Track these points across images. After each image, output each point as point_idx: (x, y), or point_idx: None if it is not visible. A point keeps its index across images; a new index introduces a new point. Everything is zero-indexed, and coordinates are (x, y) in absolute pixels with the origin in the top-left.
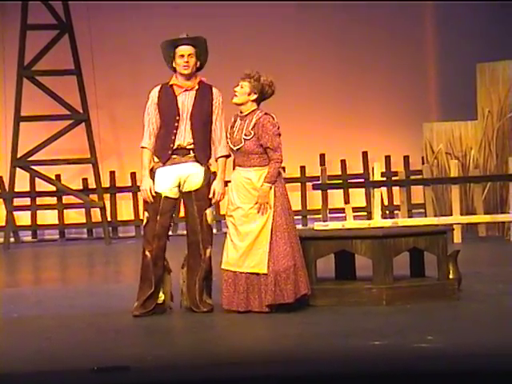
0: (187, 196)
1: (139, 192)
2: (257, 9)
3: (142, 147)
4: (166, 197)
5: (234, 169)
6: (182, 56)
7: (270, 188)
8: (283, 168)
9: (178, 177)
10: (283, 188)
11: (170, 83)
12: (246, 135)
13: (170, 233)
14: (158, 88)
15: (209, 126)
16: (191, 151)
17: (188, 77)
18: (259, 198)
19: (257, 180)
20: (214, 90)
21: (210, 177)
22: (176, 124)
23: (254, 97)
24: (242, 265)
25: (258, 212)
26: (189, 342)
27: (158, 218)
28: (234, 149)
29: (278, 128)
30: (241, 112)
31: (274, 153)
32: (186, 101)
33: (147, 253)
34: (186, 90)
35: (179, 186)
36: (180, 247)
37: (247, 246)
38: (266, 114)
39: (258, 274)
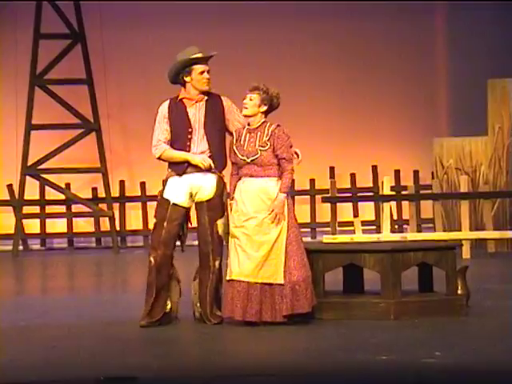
0: (199, 206)
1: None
2: (264, 21)
3: (161, 154)
4: (174, 204)
5: (238, 179)
6: (203, 72)
7: (285, 198)
8: (292, 180)
9: (189, 187)
10: (291, 202)
11: (180, 98)
12: (262, 146)
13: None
14: (167, 103)
15: (223, 133)
16: None
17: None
18: (276, 208)
19: (273, 189)
20: (223, 98)
21: (222, 187)
22: (189, 136)
23: (264, 108)
24: (256, 275)
25: (273, 222)
26: (196, 354)
27: (165, 224)
28: (248, 160)
29: (290, 140)
30: (249, 125)
31: (288, 164)
32: (196, 112)
33: (151, 259)
34: (196, 102)
35: (191, 196)
36: (191, 258)
37: (262, 256)
38: (278, 125)
39: (271, 285)
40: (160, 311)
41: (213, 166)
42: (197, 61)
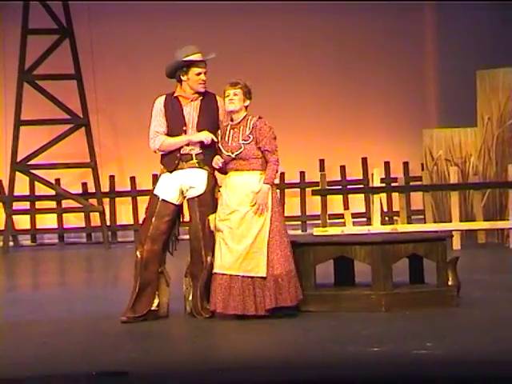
0: (191, 202)
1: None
2: (257, 15)
3: (160, 145)
4: (163, 200)
5: (226, 173)
6: (199, 74)
7: (269, 189)
8: (282, 173)
9: (180, 184)
10: (276, 195)
11: (176, 95)
12: (244, 140)
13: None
14: (162, 98)
15: (215, 132)
16: (194, 157)
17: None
18: (258, 199)
19: (257, 182)
20: (218, 98)
21: (213, 183)
22: (183, 134)
23: (248, 102)
24: (238, 268)
25: (256, 213)
26: (187, 348)
27: (153, 220)
28: (233, 155)
29: (273, 132)
30: (231, 120)
31: (272, 155)
32: (191, 111)
33: (138, 253)
34: (192, 101)
35: (182, 193)
36: (182, 252)
37: (244, 248)
38: (260, 117)
39: (253, 278)
40: (144, 307)
41: (215, 139)
42: (194, 62)
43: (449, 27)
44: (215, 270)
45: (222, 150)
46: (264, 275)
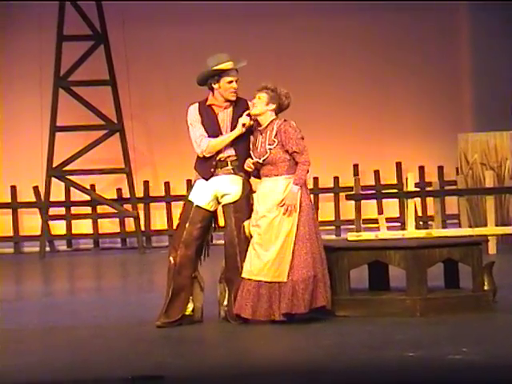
0: (226, 208)
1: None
2: (290, 18)
3: (207, 146)
4: (197, 206)
5: (260, 178)
6: (231, 82)
7: (298, 190)
8: (316, 178)
9: (215, 191)
10: (308, 198)
11: (208, 103)
12: (269, 144)
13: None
14: (196, 106)
15: (249, 138)
16: (229, 164)
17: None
18: (286, 199)
19: (284, 187)
20: (250, 103)
21: (248, 189)
22: None
23: (273, 107)
24: (266, 274)
25: (284, 214)
26: (222, 352)
27: (187, 225)
28: (260, 161)
29: (300, 132)
30: (259, 125)
31: (301, 156)
32: (225, 118)
33: (171, 258)
34: (225, 108)
35: (216, 199)
36: (216, 258)
37: (271, 254)
38: (285, 120)
39: (279, 283)
40: (177, 312)
41: (251, 122)
42: (226, 71)
43: (484, 29)
44: (244, 275)
45: (253, 157)
46: (285, 280)
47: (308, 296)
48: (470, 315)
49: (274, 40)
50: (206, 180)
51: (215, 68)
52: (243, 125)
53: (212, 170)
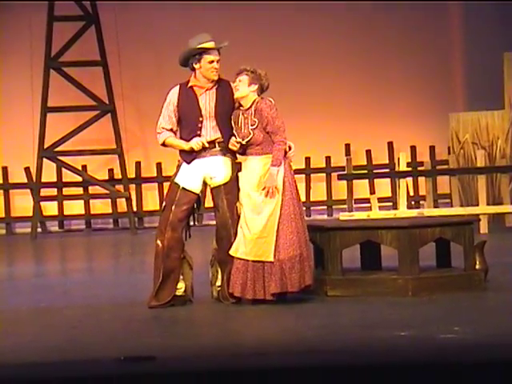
0: (216, 190)
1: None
2: (277, 1)
3: (163, 142)
4: (183, 188)
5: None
6: (212, 62)
7: (278, 171)
8: (308, 158)
9: (203, 174)
10: (292, 178)
11: (190, 85)
12: (251, 125)
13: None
14: (177, 89)
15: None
16: (217, 145)
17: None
18: (266, 182)
19: (261, 167)
20: (233, 85)
21: (236, 169)
22: (199, 125)
23: (255, 87)
24: (249, 253)
25: (266, 196)
26: (214, 333)
27: (173, 208)
28: (244, 142)
29: (276, 109)
30: (242, 106)
31: (276, 135)
32: (207, 100)
33: (158, 242)
34: (207, 90)
35: (205, 182)
36: (206, 238)
37: (254, 233)
38: (262, 98)
39: (263, 262)
40: (168, 295)
41: (206, 144)
42: (207, 50)
43: (475, 10)
44: (230, 252)
45: (237, 138)
46: (271, 260)
47: (295, 275)
48: (462, 294)
49: (265, 20)
50: (188, 164)
51: (196, 47)
52: (203, 144)
53: (194, 154)
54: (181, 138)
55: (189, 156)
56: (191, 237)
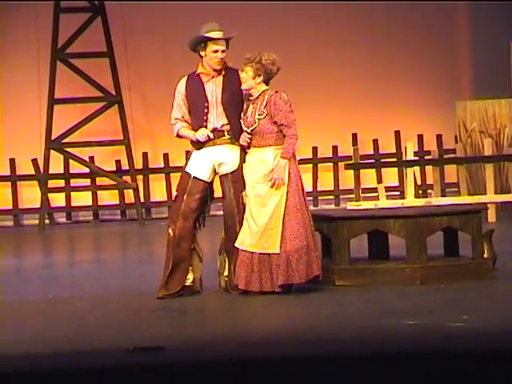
0: (224, 179)
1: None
2: None
3: (177, 133)
4: (195, 177)
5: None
6: (217, 51)
7: (286, 164)
8: (315, 148)
9: (212, 161)
10: (297, 169)
11: (197, 72)
12: (259, 115)
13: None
14: (184, 79)
15: (240, 107)
16: (226, 133)
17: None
18: (274, 173)
19: (272, 159)
20: (241, 75)
21: (244, 158)
22: (206, 110)
23: (260, 79)
24: (256, 245)
25: (272, 187)
26: (222, 322)
27: (185, 197)
28: (249, 130)
29: (290, 105)
30: (251, 96)
31: (289, 129)
32: (213, 87)
33: (170, 231)
34: (213, 77)
35: (214, 171)
36: (216, 228)
37: (260, 226)
38: (276, 92)
39: (269, 255)
40: (177, 284)
41: (211, 135)
42: (212, 39)
43: None
44: (236, 244)
45: (243, 126)
46: (278, 251)
47: (302, 266)
48: (470, 283)
49: (271, 8)
50: (198, 150)
51: (202, 35)
52: (208, 135)
53: (203, 142)
54: (192, 126)
55: (198, 144)
56: (204, 226)
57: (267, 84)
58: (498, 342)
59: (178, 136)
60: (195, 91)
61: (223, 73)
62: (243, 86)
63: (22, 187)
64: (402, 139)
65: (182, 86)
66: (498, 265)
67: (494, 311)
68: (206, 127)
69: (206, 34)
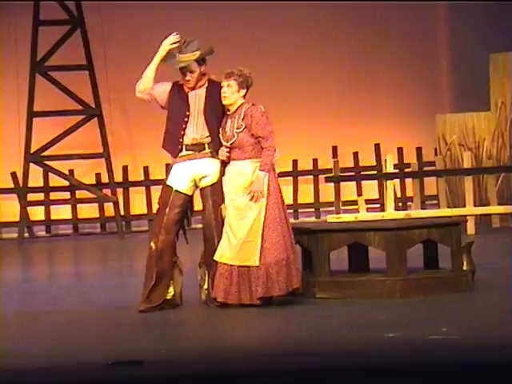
0: (204, 192)
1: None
2: (264, 3)
3: (139, 85)
4: (176, 191)
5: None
6: (184, 74)
7: (264, 176)
8: (295, 161)
9: (193, 175)
10: (276, 182)
11: (181, 82)
12: (237, 128)
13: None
14: (171, 84)
15: (220, 121)
16: (207, 146)
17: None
18: (253, 186)
19: (251, 171)
20: (222, 91)
21: (224, 171)
22: (186, 119)
23: (243, 92)
24: (235, 258)
25: (251, 200)
26: (203, 336)
27: (167, 210)
28: (228, 144)
29: (267, 117)
30: (228, 110)
31: (266, 141)
32: (196, 98)
33: (152, 244)
34: (196, 89)
35: (195, 183)
36: (196, 242)
37: (240, 238)
38: (253, 104)
39: (248, 267)
40: (160, 297)
41: (175, 40)
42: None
43: (461, 10)
44: (215, 258)
45: (222, 140)
46: (257, 264)
47: (282, 278)
48: (450, 295)
49: (251, 23)
50: (174, 157)
51: (174, 57)
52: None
53: (179, 147)
54: (166, 133)
55: (174, 149)
56: (179, 240)
57: (244, 98)
58: (477, 355)
59: (142, 85)
60: (178, 99)
61: (206, 85)
62: (226, 101)
63: (1, 200)
64: (382, 152)
65: (168, 86)
66: (476, 277)
67: (473, 324)
68: (182, 136)
69: (171, 62)
